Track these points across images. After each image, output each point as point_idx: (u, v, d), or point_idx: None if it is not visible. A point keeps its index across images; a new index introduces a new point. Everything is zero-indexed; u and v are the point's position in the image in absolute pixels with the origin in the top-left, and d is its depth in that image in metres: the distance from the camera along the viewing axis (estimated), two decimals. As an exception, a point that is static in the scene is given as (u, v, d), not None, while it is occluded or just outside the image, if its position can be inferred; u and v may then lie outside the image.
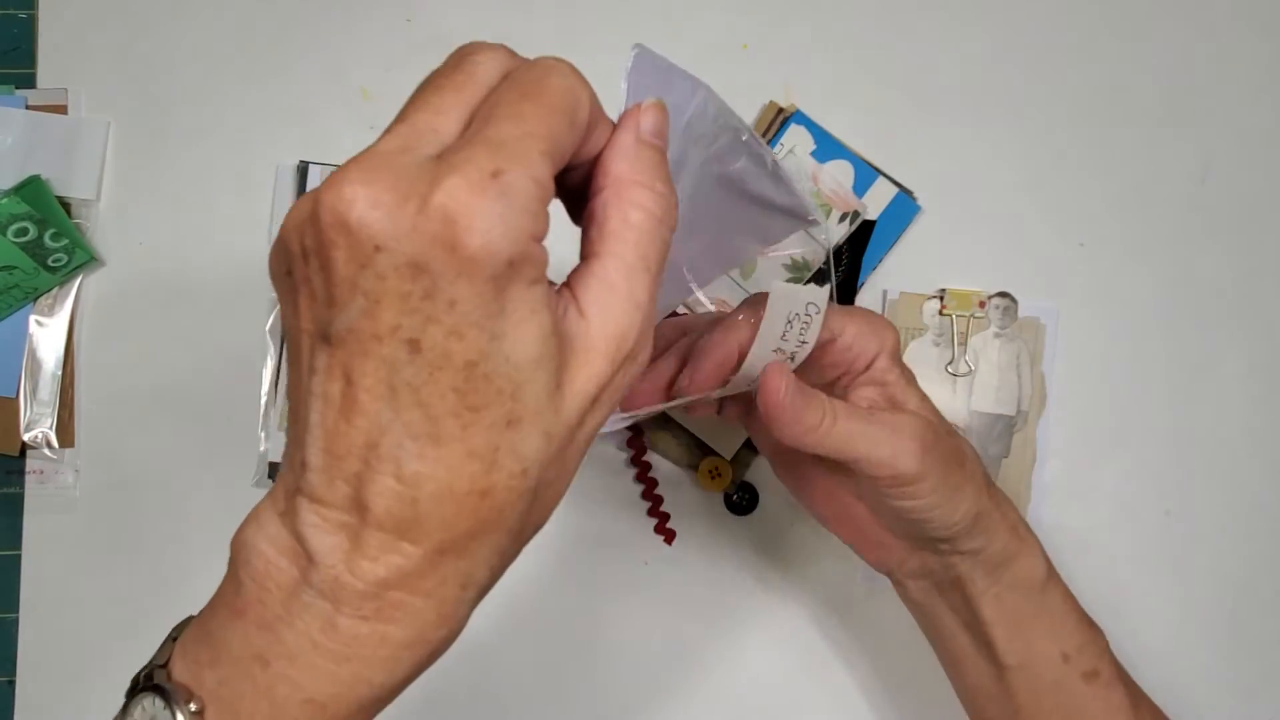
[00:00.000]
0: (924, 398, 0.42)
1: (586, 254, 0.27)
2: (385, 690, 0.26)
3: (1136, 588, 0.57)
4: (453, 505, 0.24)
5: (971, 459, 0.42)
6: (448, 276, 0.23)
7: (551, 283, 0.26)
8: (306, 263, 0.25)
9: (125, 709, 0.27)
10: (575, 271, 0.27)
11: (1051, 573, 0.44)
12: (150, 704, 0.26)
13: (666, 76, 0.31)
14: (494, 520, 0.25)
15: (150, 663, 0.28)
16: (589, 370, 0.26)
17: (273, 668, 0.25)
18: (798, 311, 0.40)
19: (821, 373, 0.43)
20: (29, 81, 0.57)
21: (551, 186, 0.24)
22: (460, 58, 0.27)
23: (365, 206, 0.23)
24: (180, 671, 0.27)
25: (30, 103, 0.56)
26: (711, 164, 0.38)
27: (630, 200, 0.26)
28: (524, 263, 0.24)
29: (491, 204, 0.23)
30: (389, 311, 0.23)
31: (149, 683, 0.27)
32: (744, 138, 0.37)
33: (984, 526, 0.42)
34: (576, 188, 0.29)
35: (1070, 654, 0.43)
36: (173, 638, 0.28)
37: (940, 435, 0.41)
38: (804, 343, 0.40)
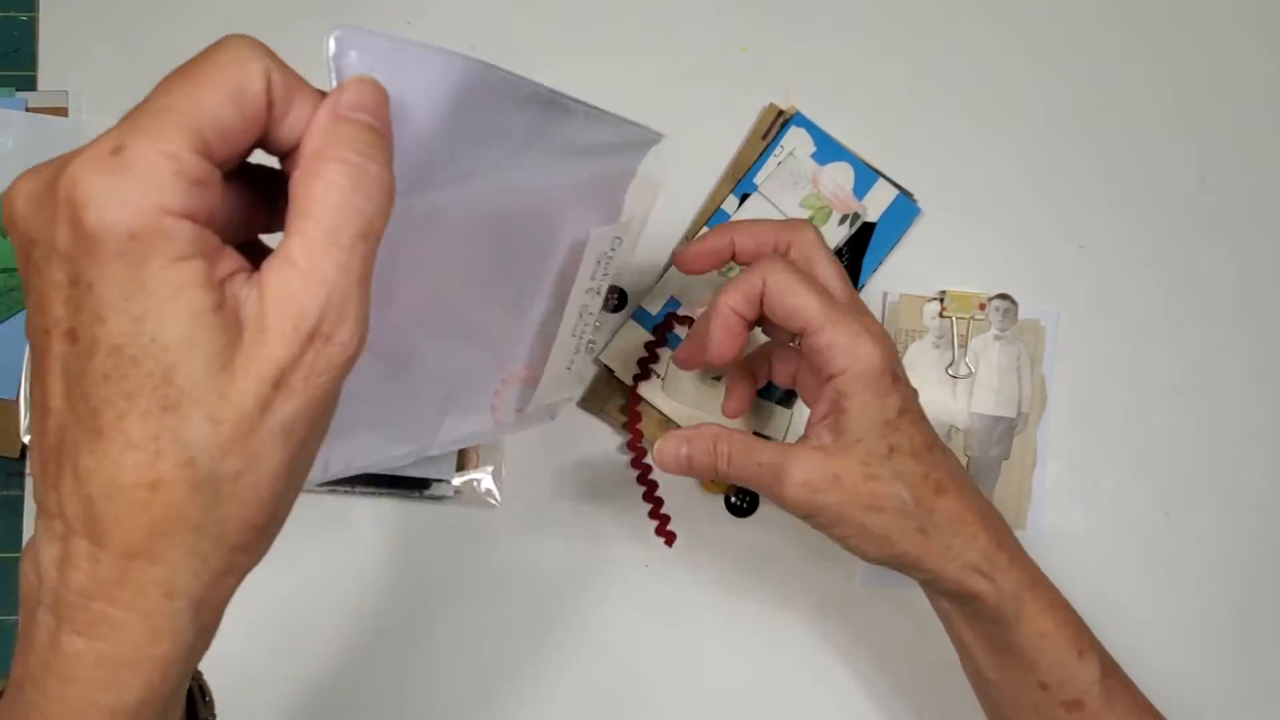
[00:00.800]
0: (884, 435, 0.41)
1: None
2: (119, 715, 0.25)
3: (1137, 590, 0.57)
4: (122, 501, 0.23)
5: (900, 510, 0.41)
6: (80, 259, 0.23)
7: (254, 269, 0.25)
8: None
9: None
10: (267, 256, 0.26)
11: (1024, 611, 0.42)
12: None
13: (402, 59, 0.29)
14: (172, 517, 0.24)
15: None
16: (264, 352, 0.24)
17: (24, 693, 0.25)
18: (605, 250, 0.43)
19: (806, 361, 0.46)
20: (29, 84, 0.57)
21: (195, 161, 0.24)
22: None
23: (21, 201, 0.24)
24: None
25: (31, 105, 0.56)
26: (531, 144, 0.37)
27: (316, 175, 0.25)
28: (154, 238, 0.23)
29: (105, 179, 0.23)
30: (52, 304, 0.23)
31: None
32: (543, 94, 0.35)
33: (923, 567, 0.42)
34: None
35: (1049, 684, 0.42)
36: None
37: (856, 480, 0.41)
38: (606, 275, 0.44)
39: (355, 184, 0.25)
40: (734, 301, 0.44)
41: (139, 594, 0.24)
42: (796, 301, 0.42)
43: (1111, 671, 0.44)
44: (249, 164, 0.28)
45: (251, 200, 0.28)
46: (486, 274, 0.41)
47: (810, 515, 0.42)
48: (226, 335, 0.24)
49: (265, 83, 0.25)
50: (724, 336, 0.45)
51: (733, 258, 0.48)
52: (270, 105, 0.25)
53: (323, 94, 0.26)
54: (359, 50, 0.27)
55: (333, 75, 0.27)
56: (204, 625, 0.26)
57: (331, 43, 0.27)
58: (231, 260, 0.25)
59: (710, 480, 0.46)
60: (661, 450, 0.45)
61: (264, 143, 0.26)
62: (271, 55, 0.25)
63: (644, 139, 0.43)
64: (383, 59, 0.28)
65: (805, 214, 0.57)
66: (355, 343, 0.25)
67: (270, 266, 0.25)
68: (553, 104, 0.36)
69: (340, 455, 0.40)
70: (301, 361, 0.24)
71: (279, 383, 0.24)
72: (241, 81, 0.25)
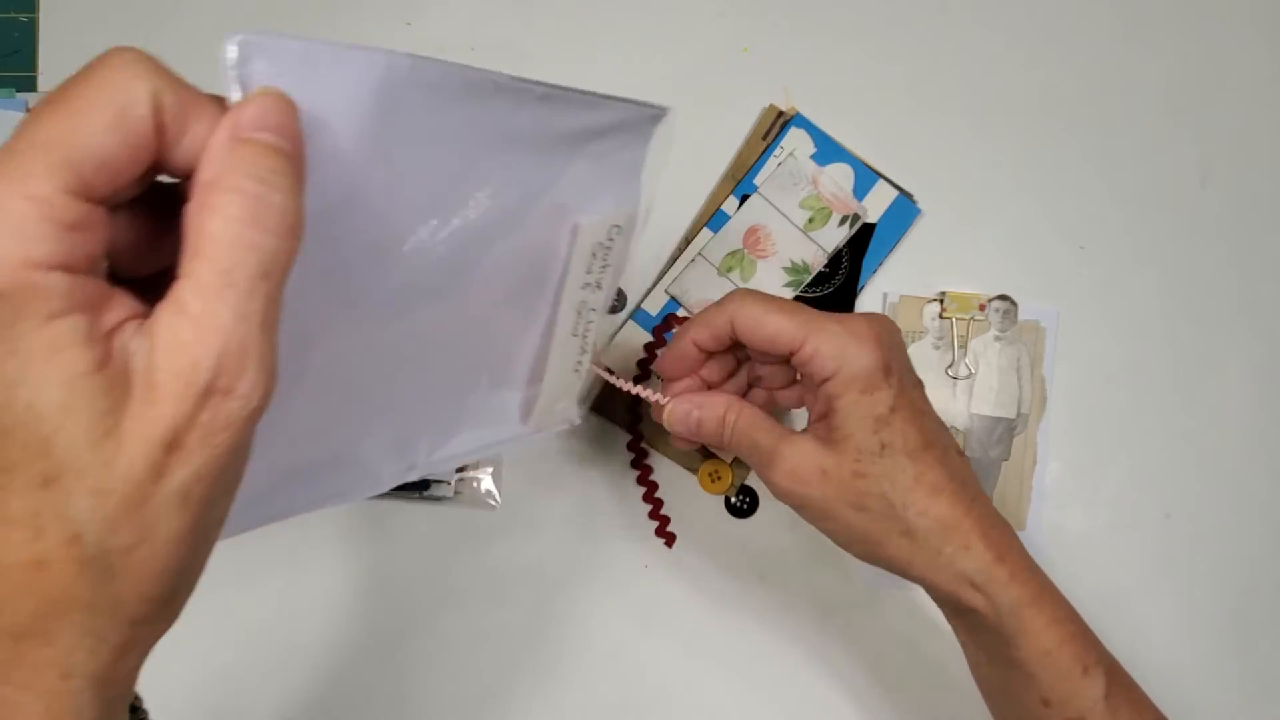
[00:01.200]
0: (875, 431, 0.41)
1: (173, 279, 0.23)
2: None
3: (1137, 590, 0.57)
4: (5, 582, 0.22)
5: (884, 511, 0.41)
6: None
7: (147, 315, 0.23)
8: None
9: None
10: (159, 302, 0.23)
11: (1025, 627, 0.41)
12: None
13: (315, 63, 0.25)
14: (60, 597, 0.22)
15: None
16: (154, 412, 0.22)
17: None
18: (600, 241, 0.41)
19: (790, 373, 0.46)
20: (30, 85, 0.57)
21: (67, 203, 0.21)
22: None
23: None
24: None
25: (31, 106, 0.57)
26: (482, 140, 0.33)
27: (210, 208, 0.22)
28: (22, 295, 0.21)
29: None
30: None
31: None
32: (502, 83, 0.32)
33: (913, 574, 0.42)
34: None
35: (1051, 701, 0.41)
36: None
37: (843, 476, 0.41)
38: (606, 266, 0.42)
39: (253, 217, 0.22)
40: (697, 337, 0.44)
41: (34, 675, 0.23)
42: (770, 328, 0.42)
43: (1118, 688, 0.42)
44: (158, 183, 0.25)
45: (162, 224, 0.25)
46: (468, 282, 0.37)
47: (797, 506, 0.42)
48: (111, 397, 0.22)
49: (151, 105, 0.22)
50: (674, 362, 0.46)
51: (700, 352, 0.46)
52: (160, 129, 0.22)
53: (226, 108, 0.24)
54: (266, 58, 0.24)
55: (233, 89, 0.24)
56: (109, 699, 0.24)
57: (232, 50, 0.23)
58: (121, 308, 0.22)
59: (715, 447, 0.46)
60: (673, 411, 0.45)
61: (160, 167, 0.24)
62: (160, 70, 0.23)
63: (645, 117, 0.40)
64: (293, 66, 0.24)
65: (805, 215, 0.57)
66: (259, 394, 0.23)
67: (158, 315, 0.22)
68: (521, 92, 0.33)
69: (280, 501, 0.34)
70: (197, 420, 0.22)
71: (172, 445, 0.22)
72: (124, 105, 0.22)
